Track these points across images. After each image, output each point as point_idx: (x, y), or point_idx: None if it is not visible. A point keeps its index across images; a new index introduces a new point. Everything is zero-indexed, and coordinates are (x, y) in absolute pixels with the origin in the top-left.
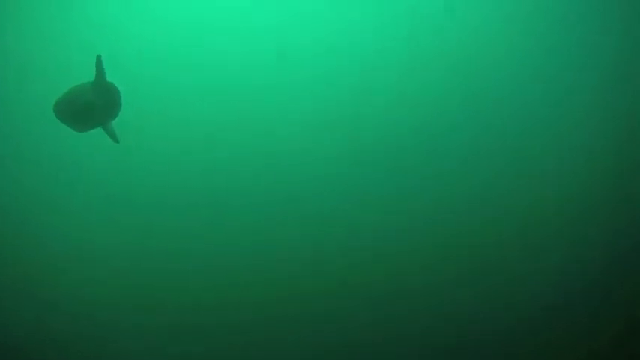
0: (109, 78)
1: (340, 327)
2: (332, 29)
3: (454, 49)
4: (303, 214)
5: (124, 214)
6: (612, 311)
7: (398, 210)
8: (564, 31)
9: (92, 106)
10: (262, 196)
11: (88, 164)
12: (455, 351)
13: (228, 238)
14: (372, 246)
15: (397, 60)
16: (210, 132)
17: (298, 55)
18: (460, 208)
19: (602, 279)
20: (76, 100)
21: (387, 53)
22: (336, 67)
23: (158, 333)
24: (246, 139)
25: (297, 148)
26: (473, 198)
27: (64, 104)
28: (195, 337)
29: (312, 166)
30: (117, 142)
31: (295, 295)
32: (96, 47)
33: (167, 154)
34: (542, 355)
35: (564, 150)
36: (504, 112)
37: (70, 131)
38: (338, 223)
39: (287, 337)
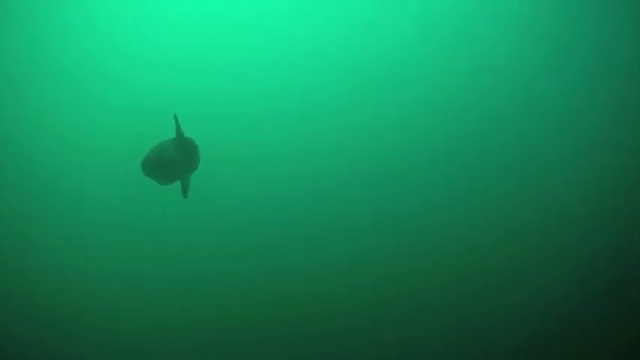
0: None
1: (360, 344)
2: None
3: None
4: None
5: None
6: (624, 322)
7: (415, 225)
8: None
9: (175, 161)
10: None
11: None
12: None
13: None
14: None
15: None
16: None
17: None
18: (472, 219)
19: (617, 288)
20: (160, 157)
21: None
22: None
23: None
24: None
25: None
26: (485, 210)
27: (151, 161)
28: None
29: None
30: (186, 196)
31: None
32: None
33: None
34: None
35: (582, 157)
36: (526, 125)
37: None
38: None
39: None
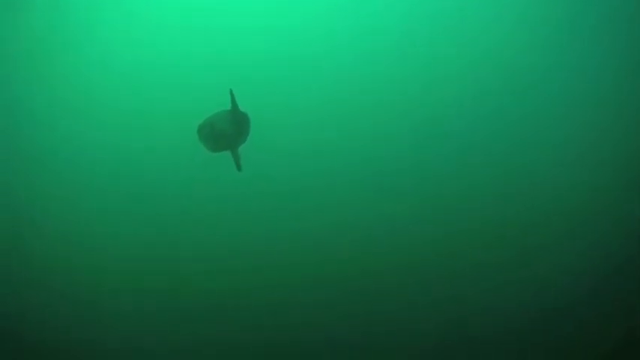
0: None
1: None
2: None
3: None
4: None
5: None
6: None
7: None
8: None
9: (226, 132)
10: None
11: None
12: (458, 347)
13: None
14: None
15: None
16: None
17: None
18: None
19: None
20: (214, 126)
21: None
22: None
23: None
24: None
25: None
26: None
27: (206, 128)
28: (196, 321)
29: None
30: (239, 169)
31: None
32: None
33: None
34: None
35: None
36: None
37: None
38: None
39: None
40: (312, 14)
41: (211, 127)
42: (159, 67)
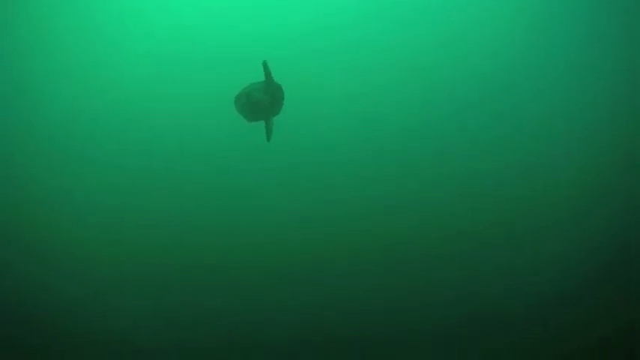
0: None
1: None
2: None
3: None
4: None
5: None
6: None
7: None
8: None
9: (261, 102)
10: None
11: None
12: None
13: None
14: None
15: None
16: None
17: None
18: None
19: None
20: (250, 96)
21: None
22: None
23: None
24: None
25: None
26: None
27: (242, 97)
28: (199, 293)
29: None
30: (269, 139)
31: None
32: None
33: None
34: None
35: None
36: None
37: None
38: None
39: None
40: None
41: (247, 97)
42: (197, 43)
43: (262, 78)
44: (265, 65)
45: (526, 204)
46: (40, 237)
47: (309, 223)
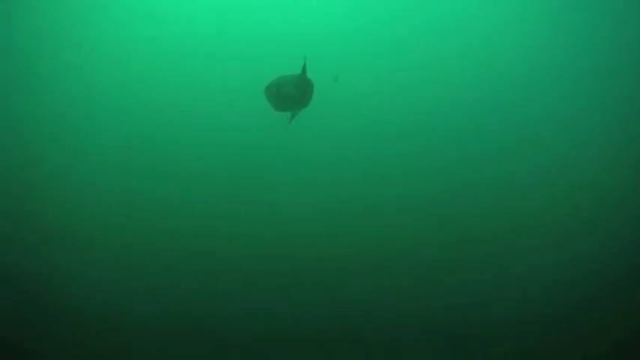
0: None
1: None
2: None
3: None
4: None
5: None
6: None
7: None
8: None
9: (291, 95)
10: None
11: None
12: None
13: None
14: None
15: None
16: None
17: None
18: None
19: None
20: (280, 87)
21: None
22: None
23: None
24: None
25: None
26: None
27: (273, 88)
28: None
29: None
30: (289, 123)
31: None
32: None
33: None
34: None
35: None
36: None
37: None
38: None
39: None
40: None
41: (277, 88)
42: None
43: (276, 74)
44: (304, 62)
45: (542, 209)
46: (44, 216)
47: (318, 221)
